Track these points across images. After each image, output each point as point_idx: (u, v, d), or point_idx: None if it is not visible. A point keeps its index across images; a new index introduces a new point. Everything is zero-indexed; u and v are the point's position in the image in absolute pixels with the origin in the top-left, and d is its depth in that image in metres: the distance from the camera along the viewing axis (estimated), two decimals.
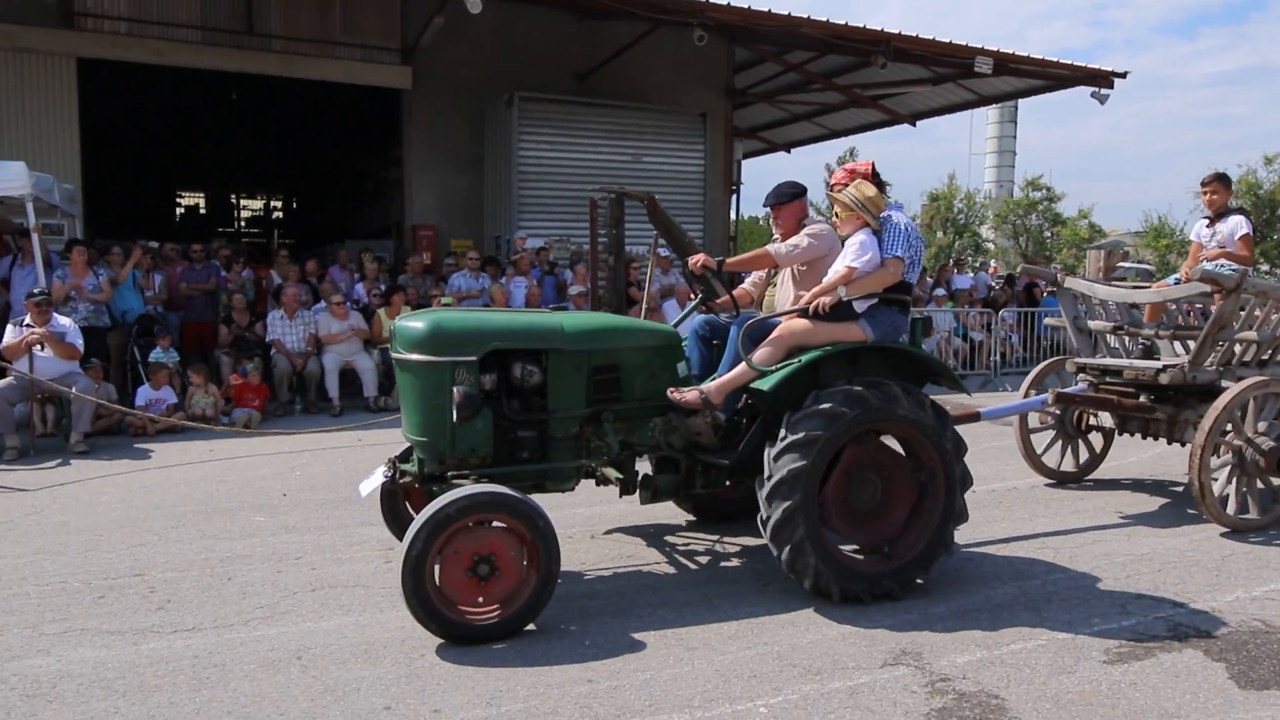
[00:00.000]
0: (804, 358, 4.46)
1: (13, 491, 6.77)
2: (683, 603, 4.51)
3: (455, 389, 4.16)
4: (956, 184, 41.82)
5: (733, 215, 18.54)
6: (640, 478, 4.84)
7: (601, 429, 4.59)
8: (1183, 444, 6.40)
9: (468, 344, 4.29)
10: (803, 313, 4.54)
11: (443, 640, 3.91)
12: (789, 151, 23.59)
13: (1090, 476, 7.43)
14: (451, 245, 14.63)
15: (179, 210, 33.60)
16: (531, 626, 4.10)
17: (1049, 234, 40.71)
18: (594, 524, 5.86)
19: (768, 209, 5.21)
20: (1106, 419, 6.91)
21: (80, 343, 8.69)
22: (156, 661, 3.78)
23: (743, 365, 4.52)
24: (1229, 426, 5.81)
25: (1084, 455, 7.39)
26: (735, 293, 5.31)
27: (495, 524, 3.96)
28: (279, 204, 35.18)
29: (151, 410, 9.09)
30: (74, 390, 8.21)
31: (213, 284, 11.47)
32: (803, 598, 4.57)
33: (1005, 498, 6.80)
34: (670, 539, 5.59)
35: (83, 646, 3.94)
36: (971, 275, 17.95)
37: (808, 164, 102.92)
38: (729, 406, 4.67)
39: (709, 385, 4.58)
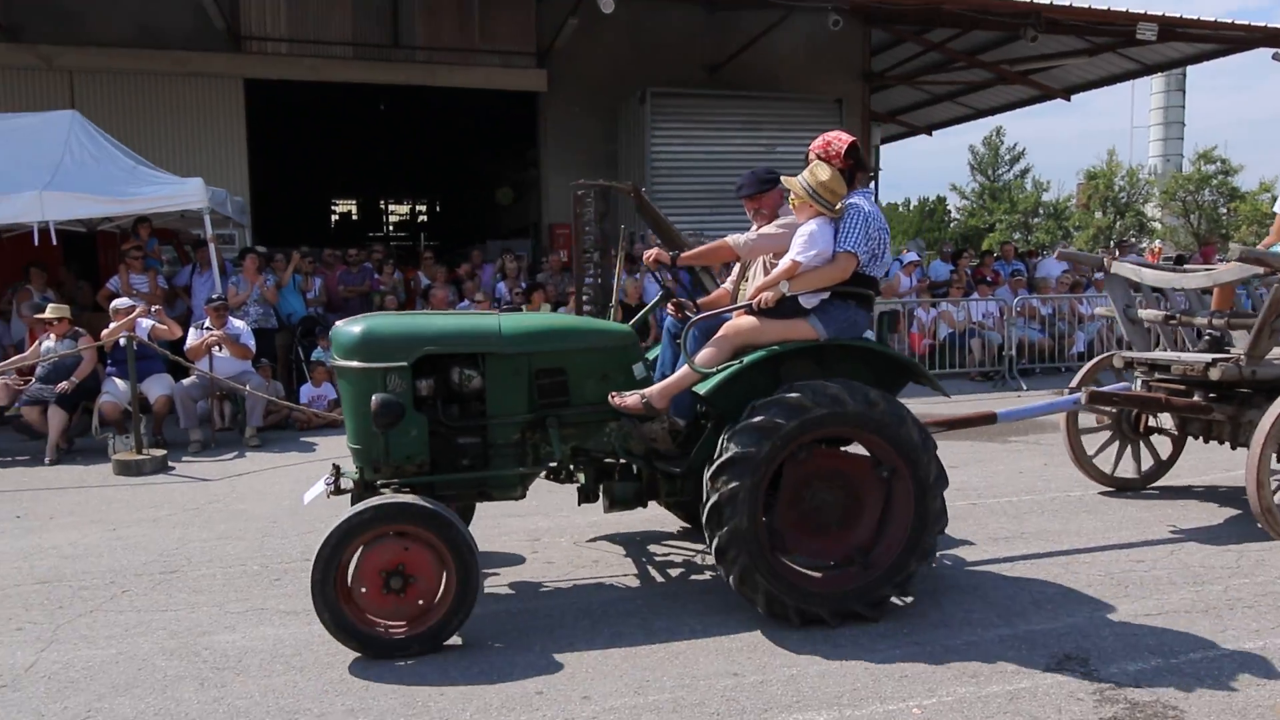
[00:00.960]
0: (747, 359, 4.13)
1: (197, 481, 7.36)
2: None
3: (374, 396, 3.94)
4: (1117, 160, 39.28)
5: None
6: (603, 486, 4.52)
7: (548, 435, 4.32)
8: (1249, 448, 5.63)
9: (399, 349, 4.11)
10: (750, 309, 4.21)
11: (357, 653, 3.81)
12: (930, 134, 22.78)
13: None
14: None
15: (334, 217, 35.59)
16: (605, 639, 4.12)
17: (1224, 210, 37.69)
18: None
19: (741, 200, 4.83)
20: (1167, 420, 6.19)
21: (253, 343, 9.35)
22: (328, 640, 4.02)
23: (687, 367, 4.19)
24: None
25: (1147, 460, 6.56)
26: (716, 293, 5.00)
27: (407, 535, 3.80)
28: (424, 208, 36.74)
29: (314, 406, 9.69)
30: (248, 387, 8.85)
31: (366, 286, 12.10)
32: (957, 600, 4.41)
33: (1174, 495, 6.36)
34: None
35: (263, 624, 4.25)
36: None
37: (951, 145, 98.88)
38: (686, 410, 4.33)
39: (651, 389, 4.23)
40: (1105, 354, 6.65)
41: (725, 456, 3.93)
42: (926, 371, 4.50)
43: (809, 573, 4.21)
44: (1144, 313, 6.36)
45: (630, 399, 4.20)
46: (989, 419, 5.46)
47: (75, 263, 11.89)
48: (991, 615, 4.20)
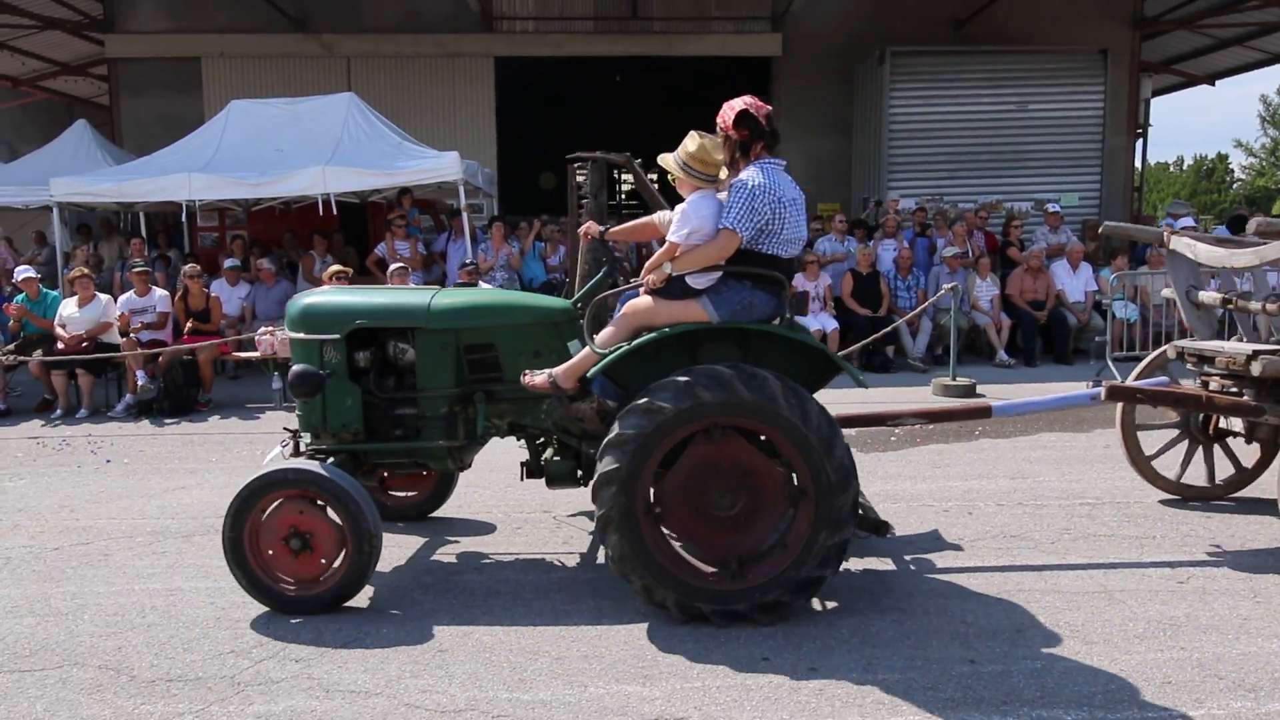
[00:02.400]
0: (637, 341, 3.88)
1: None
2: (1077, 591, 4.14)
3: (292, 367, 4.16)
4: None
5: (1137, 163, 16.35)
6: (543, 462, 4.48)
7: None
8: None
9: (333, 322, 4.29)
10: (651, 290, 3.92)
11: (269, 608, 4.00)
12: (1213, 84, 20.19)
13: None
14: (819, 209, 14.58)
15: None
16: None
17: None
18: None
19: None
20: (1237, 423, 5.05)
21: None
22: (563, 589, 4.27)
23: (588, 348, 4.00)
24: None
25: (1226, 467, 5.48)
26: None
27: (306, 500, 3.96)
28: (654, 177, 37.44)
29: None
30: None
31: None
32: (1228, 602, 3.97)
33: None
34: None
35: (505, 570, 4.57)
36: None
37: (1237, 96, 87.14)
38: (614, 391, 4.10)
39: (558, 369, 4.08)
40: (1173, 343, 5.53)
41: (609, 437, 3.78)
42: (842, 361, 4.05)
43: (699, 566, 3.93)
44: (1204, 295, 5.32)
45: (539, 378, 4.11)
46: (984, 412, 4.78)
47: (344, 230, 13.20)
48: (1275, 625, 3.74)
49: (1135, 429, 5.50)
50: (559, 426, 4.35)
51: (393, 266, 9.91)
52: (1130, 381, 5.23)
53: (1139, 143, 16.58)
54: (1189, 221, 12.45)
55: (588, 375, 4.00)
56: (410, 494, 5.44)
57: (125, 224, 14.07)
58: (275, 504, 3.99)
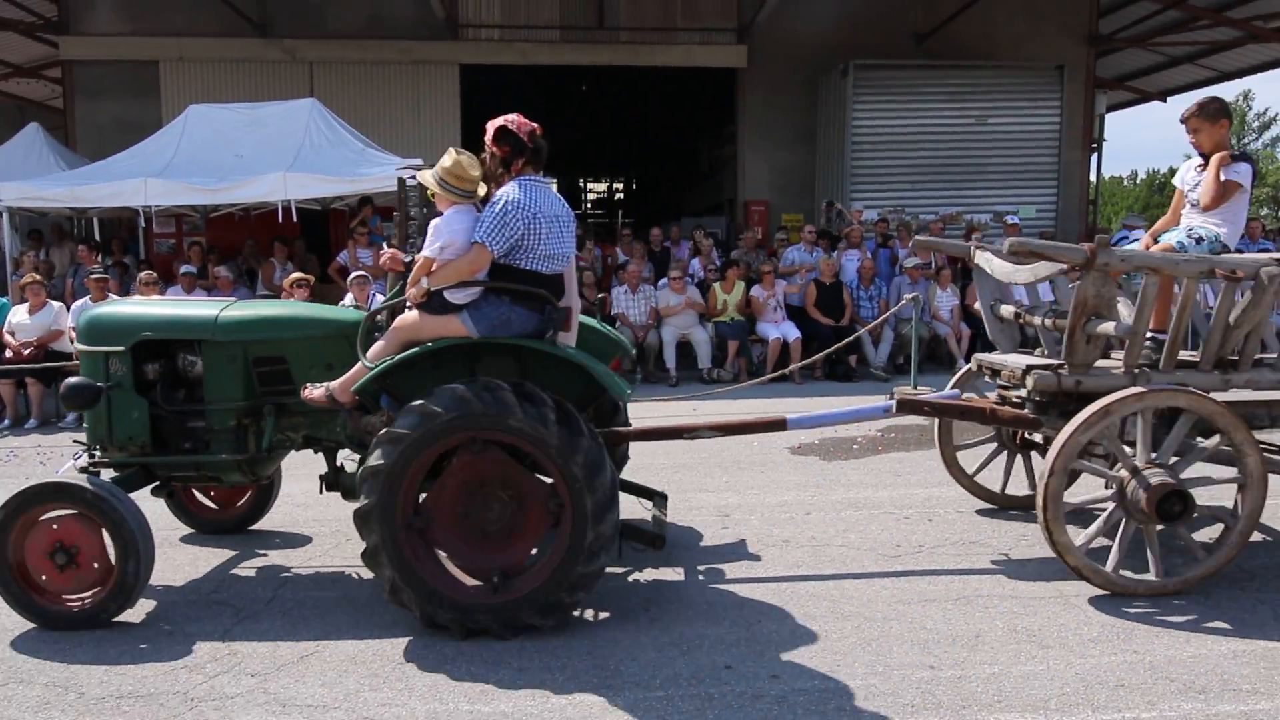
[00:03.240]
0: (400, 355, 3.88)
1: None
2: (1035, 596, 4.20)
3: (65, 380, 4.15)
4: None
5: (1092, 177, 16.70)
6: (340, 475, 4.43)
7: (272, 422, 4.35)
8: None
9: (118, 334, 4.26)
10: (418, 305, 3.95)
11: (34, 624, 3.95)
12: (1165, 100, 20.72)
13: None
14: (783, 219, 14.70)
15: None
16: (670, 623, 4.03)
17: None
18: (931, 505, 5.63)
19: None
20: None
21: None
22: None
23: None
24: (1107, 452, 4.23)
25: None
26: None
27: (65, 514, 3.92)
28: (620, 186, 37.53)
29: None
30: None
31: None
32: (1179, 606, 4.05)
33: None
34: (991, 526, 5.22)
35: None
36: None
37: None
38: (396, 405, 4.03)
39: (334, 383, 4.07)
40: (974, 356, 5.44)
41: (380, 433, 3.78)
42: (611, 378, 3.98)
43: (461, 577, 3.89)
44: (1004, 309, 5.31)
45: (316, 392, 4.10)
46: (778, 425, 4.73)
47: (306, 237, 13.05)
48: (1228, 627, 3.82)
49: (954, 443, 5.55)
50: (352, 440, 4.31)
51: (353, 275, 9.82)
52: (911, 396, 5.12)
53: (1094, 157, 16.94)
54: (1140, 234, 12.72)
55: (352, 390, 3.97)
56: (235, 505, 5.34)
57: (79, 230, 13.79)
58: (44, 517, 3.93)
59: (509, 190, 3.89)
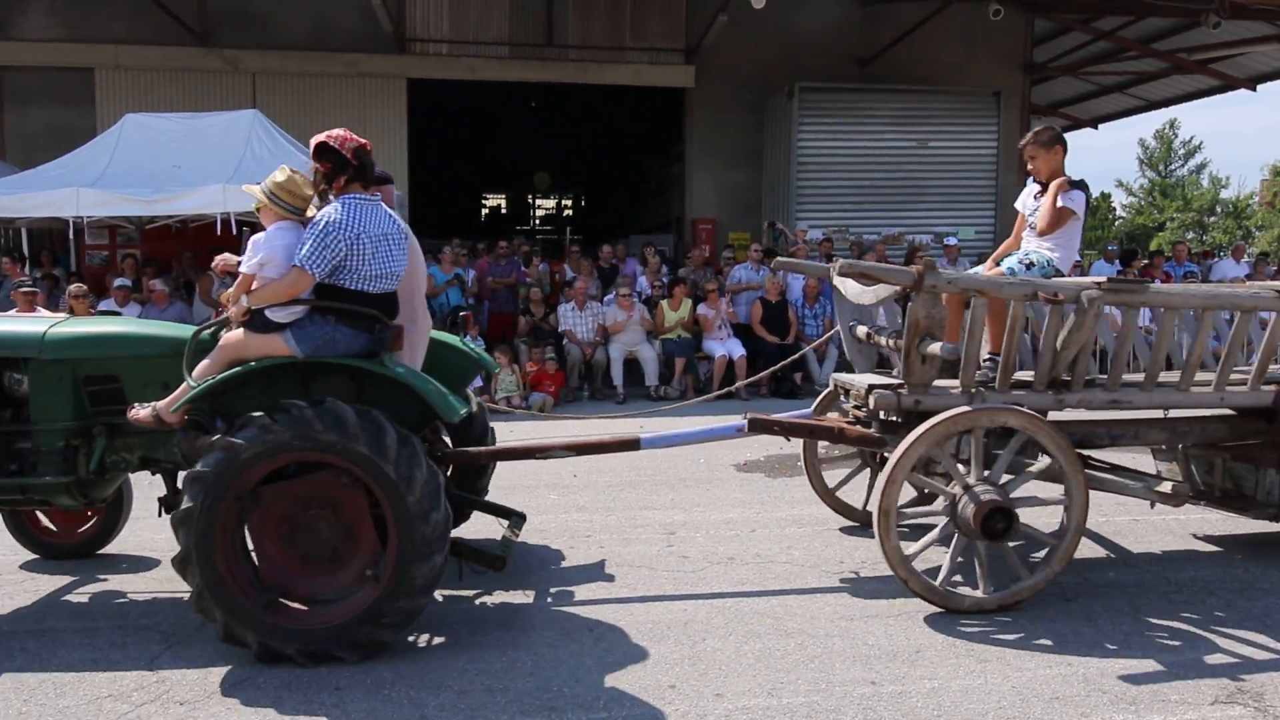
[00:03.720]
0: (221, 375, 3.83)
1: None
2: (970, 613, 4.26)
3: None
4: None
5: None
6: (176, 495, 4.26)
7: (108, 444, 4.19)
8: None
9: None
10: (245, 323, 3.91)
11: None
12: (1096, 127, 21.50)
13: None
14: (730, 238, 14.85)
15: (484, 211, 36.88)
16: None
17: None
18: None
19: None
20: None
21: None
22: (468, 620, 4.18)
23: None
24: (943, 469, 4.33)
25: (909, 491, 5.44)
26: None
27: None
28: (569, 203, 37.55)
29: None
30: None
31: (513, 278, 12.48)
32: (1111, 620, 4.15)
33: None
34: None
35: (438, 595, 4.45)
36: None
37: (1118, 140, 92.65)
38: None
39: (161, 402, 3.97)
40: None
41: (187, 474, 3.71)
42: (443, 399, 3.88)
43: (289, 604, 3.81)
44: (859, 329, 5.38)
45: (143, 412, 4.00)
46: (633, 444, 4.68)
47: None
48: (1156, 640, 3.92)
49: (819, 462, 5.64)
50: (189, 460, 4.08)
51: None
52: (763, 416, 4.94)
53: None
54: (1078, 258, 13.09)
55: (177, 409, 3.88)
56: (78, 530, 5.11)
57: (6, 240, 13.33)
58: None
59: (330, 211, 3.83)
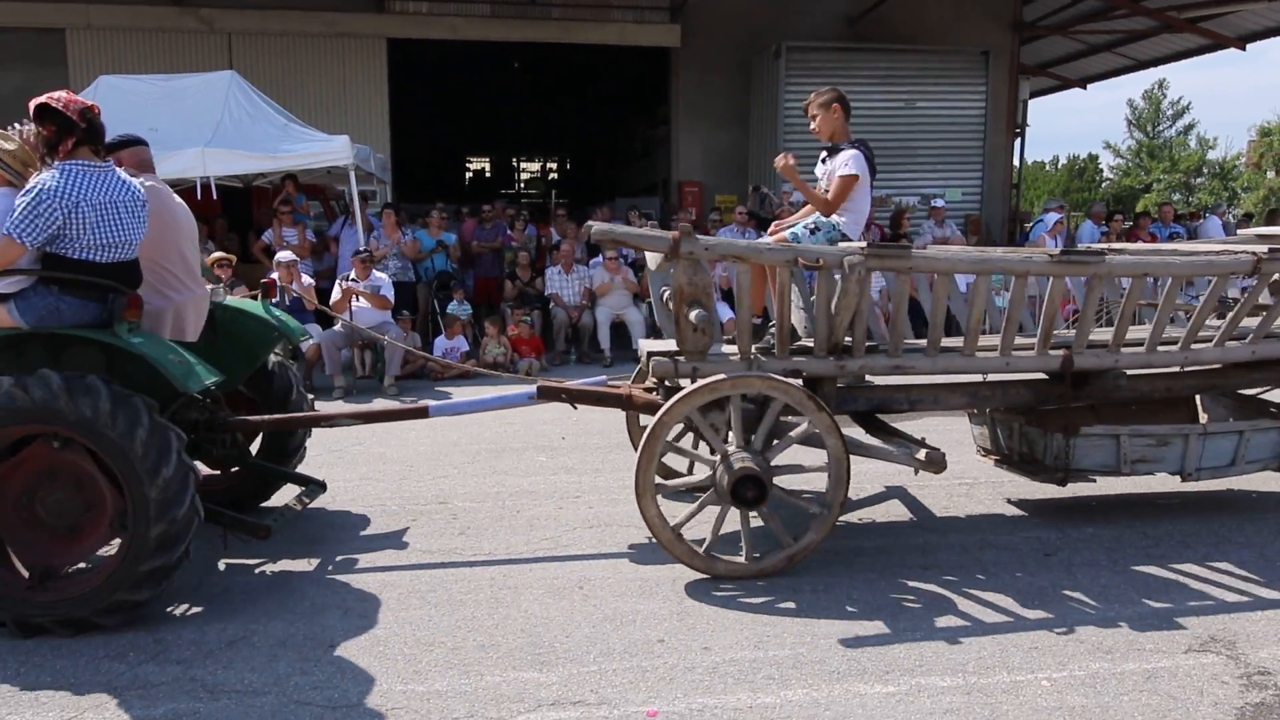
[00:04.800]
0: None
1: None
2: (956, 566, 4.35)
3: None
4: None
5: (1015, 161, 17.16)
6: None
7: None
8: None
9: None
10: None
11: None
12: (1085, 87, 21.35)
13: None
14: (716, 200, 14.79)
15: (468, 174, 36.56)
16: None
17: None
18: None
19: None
20: None
21: (392, 295, 9.77)
22: (460, 580, 4.24)
23: None
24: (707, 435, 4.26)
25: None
26: None
27: None
28: (554, 165, 37.26)
29: (448, 357, 10.07)
30: (386, 338, 9.27)
31: (499, 242, 12.42)
32: (1090, 572, 4.24)
33: None
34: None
35: (400, 562, 4.50)
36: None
37: (1107, 100, 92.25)
38: None
39: None
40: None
41: None
42: (164, 361, 3.78)
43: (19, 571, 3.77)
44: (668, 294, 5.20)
45: None
46: (421, 413, 4.68)
47: (228, 216, 12.67)
48: (1131, 593, 4.02)
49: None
50: None
51: (279, 256, 9.59)
52: (551, 383, 4.94)
53: (1017, 142, 17.40)
54: (1057, 217, 13.17)
55: None
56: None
57: None
58: None
59: (46, 177, 3.68)
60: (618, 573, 4.30)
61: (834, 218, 4.81)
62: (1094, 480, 4.91)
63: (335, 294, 9.60)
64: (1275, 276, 4.69)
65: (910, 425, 5.21)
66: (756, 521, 4.26)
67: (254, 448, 5.11)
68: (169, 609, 3.94)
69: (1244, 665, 3.36)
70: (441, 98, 23.84)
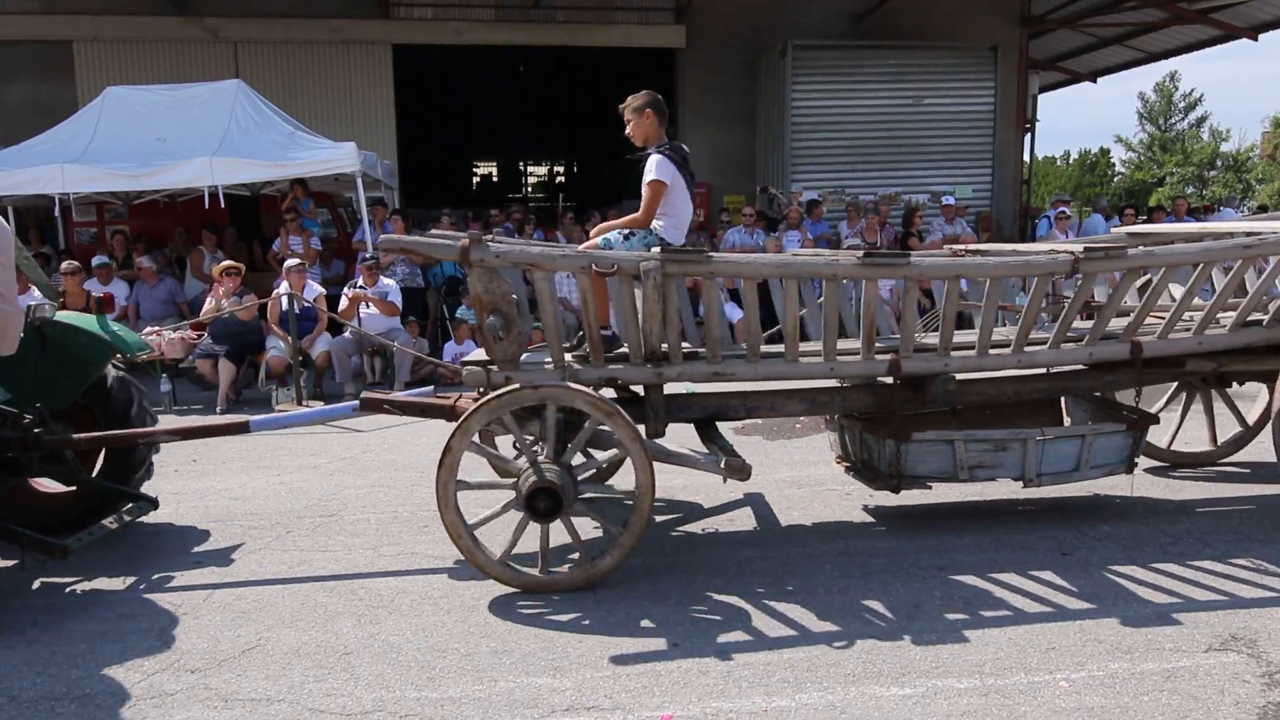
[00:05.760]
0: None
1: (352, 432, 7.80)
2: (972, 565, 4.31)
3: None
4: None
5: (1026, 157, 17.07)
6: None
7: None
8: None
9: None
10: None
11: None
12: (1095, 81, 21.25)
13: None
14: (724, 201, 14.77)
15: (475, 179, 36.61)
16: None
17: None
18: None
19: None
20: None
21: (400, 301, 9.78)
22: (472, 585, 4.22)
23: None
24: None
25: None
26: None
27: None
28: (561, 169, 37.29)
29: (457, 362, 10.07)
30: (396, 344, 9.28)
31: None
32: (1107, 573, 4.19)
33: None
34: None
35: (413, 567, 4.49)
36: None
37: (1118, 94, 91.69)
38: None
39: None
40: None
41: None
42: None
43: None
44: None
45: None
46: (241, 428, 4.58)
47: (237, 224, 12.72)
48: (1149, 592, 3.97)
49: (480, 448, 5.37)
50: None
51: (288, 263, 9.62)
52: (375, 394, 4.80)
53: (1027, 137, 17.31)
54: (1065, 210, 13.11)
55: None
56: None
57: None
58: None
59: None
60: (631, 577, 4.28)
61: (653, 223, 4.65)
62: (930, 487, 4.75)
63: (342, 302, 9.62)
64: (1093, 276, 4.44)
65: None
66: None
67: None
68: (181, 618, 3.93)
69: (1265, 664, 3.32)
70: (447, 103, 23.89)
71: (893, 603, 3.91)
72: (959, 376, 4.59)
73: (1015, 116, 15.73)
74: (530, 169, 38.50)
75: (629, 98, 4.79)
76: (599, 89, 22.43)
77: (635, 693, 3.22)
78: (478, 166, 36.85)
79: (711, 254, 4.27)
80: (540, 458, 4.08)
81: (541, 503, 3.98)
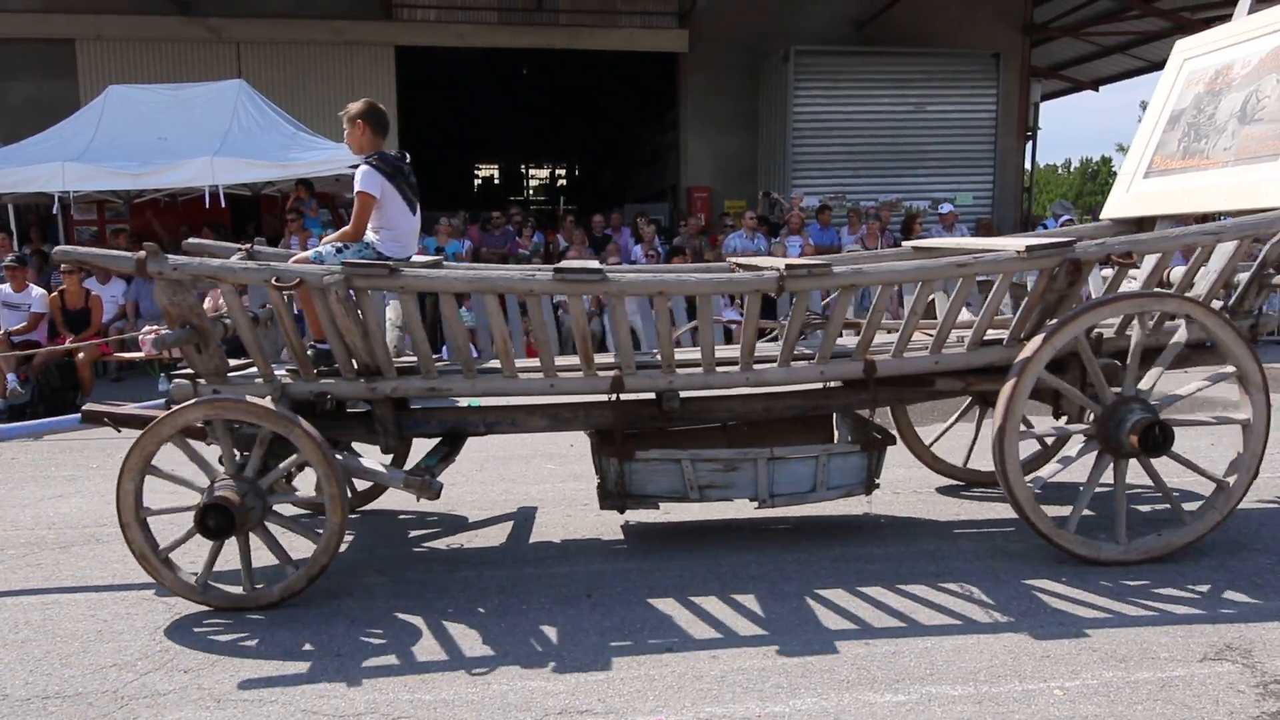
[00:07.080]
0: None
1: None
2: (969, 573, 4.31)
3: None
4: None
5: (1027, 164, 17.10)
6: None
7: None
8: None
9: None
10: None
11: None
12: (1097, 89, 21.31)
13: None
14: (725, 206, 14.79)
15: (477, 182, 36.67)
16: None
17: None
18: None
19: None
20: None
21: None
22: (468, 587, 4.22)
23: None
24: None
25: None
26: None
27: None
28: (563, 172, 37.35)
29: None
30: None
31: (507, 249, 12.44)
32: (1100, 580, 4.19)
33: None
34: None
35: (409, 569, 4.49)
36: None
37: (1120, 103, 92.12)
38: None
39: None
40: None
41: None
42: None
43: None
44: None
45: None
46: None
47: (240, 225, 12.74)
48: (1145, 601, 3.97)
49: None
50: None
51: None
52: (99, 406, 4.61)
53: (1029, 144, 17.34)
54: (1067, 217, 13.13)
55: None
56: None
57: None
58: None
59: None
60: (626, 581, 4.28)
61: (369, 235, 4.54)
62: (659, 507, 4.67)
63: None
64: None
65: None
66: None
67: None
68: (175, 617, 3.93)
69: (1260, 674, 3.31)
70: (449, 105, 23.93)
71: (888, 609, 3.90)
72: (699, 394, 4.45)
73: (1017, 124, 15.77)
74: (532, 172, 38.56)
75: (348, 105, 4.66)
76: (601, 93, 22.55)
77: (628, 696, 3.22)
78: (479, 169, 36.92)
79: (402, 268, 4.12)
80: (219, 475, 3.97)
81: (211, 520, 3.85)
